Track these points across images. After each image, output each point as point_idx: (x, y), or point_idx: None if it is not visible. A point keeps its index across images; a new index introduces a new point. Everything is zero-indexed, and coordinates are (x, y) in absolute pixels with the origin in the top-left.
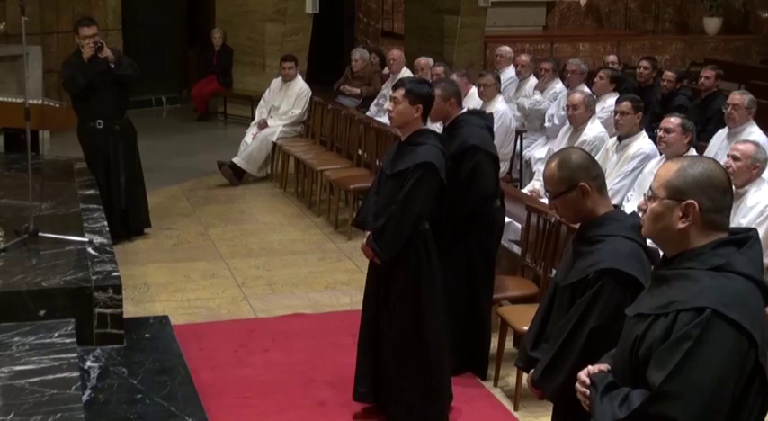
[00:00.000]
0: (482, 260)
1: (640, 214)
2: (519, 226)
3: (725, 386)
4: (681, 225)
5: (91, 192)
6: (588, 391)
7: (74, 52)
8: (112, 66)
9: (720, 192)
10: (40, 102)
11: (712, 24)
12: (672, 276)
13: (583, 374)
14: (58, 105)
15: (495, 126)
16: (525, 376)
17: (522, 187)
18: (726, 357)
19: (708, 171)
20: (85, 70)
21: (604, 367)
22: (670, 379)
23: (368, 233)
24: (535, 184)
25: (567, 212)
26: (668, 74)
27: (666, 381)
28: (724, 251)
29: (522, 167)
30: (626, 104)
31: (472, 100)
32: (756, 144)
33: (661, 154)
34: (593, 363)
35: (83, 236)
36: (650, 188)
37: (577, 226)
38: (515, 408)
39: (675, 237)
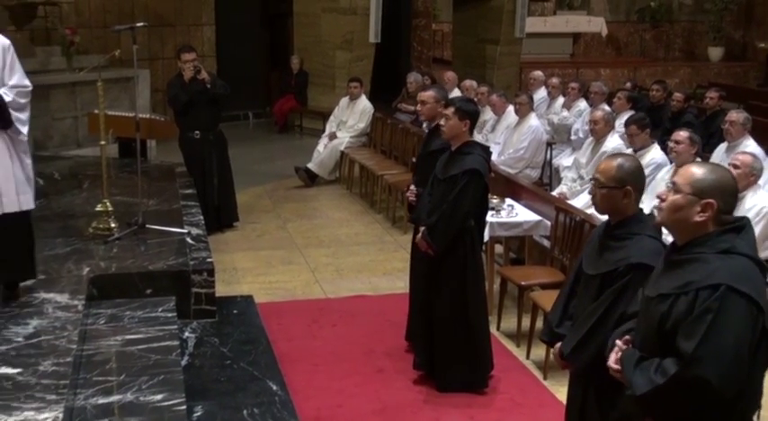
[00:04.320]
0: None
1: (656, 202)
2: (548, 223)
3: (743, 347)
4: (698, 218)
5: (189, 191)
6: (623, 365)
7: (176, 75)
8: (209, 86)
9: (732, 196)
10: (147, 116)
11: (716, 53)
12: (685, 261)
13: (615, 352)
14: (162, 119)
15: (528, 140)
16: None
17: (551, 190)
18: (742, 324)
19: (726, 178)
20: (186, 90)
21: (626, 340)
22: (700, 346)
23: (422, 228)
24: (563, 188)
25: (603, 203)
26: (677, 95)
27: (697, 348)
28: (727, 237)
29: (552, 174)
30: (632, 127)
31: (509, 116)
32: (754, 155)
33: (671, 162)
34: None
35: (182, 227)
36: (673, 182)
37: (603, 217)
38: (544, 378)
39: (690, 227)
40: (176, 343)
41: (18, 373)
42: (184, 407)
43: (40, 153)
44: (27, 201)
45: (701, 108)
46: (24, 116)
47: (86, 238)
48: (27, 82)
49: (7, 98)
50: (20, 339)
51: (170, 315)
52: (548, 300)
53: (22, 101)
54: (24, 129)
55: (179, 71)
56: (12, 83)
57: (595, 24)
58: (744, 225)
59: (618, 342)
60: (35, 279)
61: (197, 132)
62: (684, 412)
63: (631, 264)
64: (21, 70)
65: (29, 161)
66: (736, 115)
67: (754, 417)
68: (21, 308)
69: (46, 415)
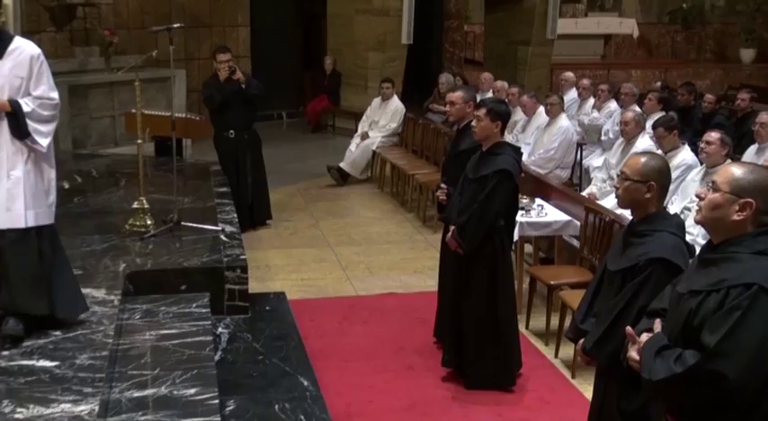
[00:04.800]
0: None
1: (697, 201)
2: (578, 223)
3: (767, 348)
4: (736, 217)
5: (223, 189)
6: (644, 349)
7: (212, 75)
8: (243, 86)
9: None
10: (183, 115)
11: (747, 54)
12: (720, 259)
13: (631, 349)
14: (197, 118)
15: (558, 140)
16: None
17: (581, 191)
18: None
19: (766, 178)
20: (221, 90)
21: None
22: (723, 341)
23: (452, 227)
24: (592, 189)
25: (626, 195)
26: (708, 96)
27: (719, 343)
28: (764, 239)
29: (582, 174)
30: (659, 130)
31: (540, 117)
32: None
33: (701, 163)
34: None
35: (217, 225)
36: (713, 181)
37: (628, 213)
38: (573, 376)
39: (728, 226)
40: (210, 338)
41: (55, 366)
42: (217, 401)
43: (78, 151)
44: (36, 218)
45: (733, 110)
46: (45, 128)
47: (123, 235)
48: (53, 95)
49: (27, 108)
50: (57, 333)
51: (204, 311)
52: (576, 299)
53: (45, 113)
54: (43, 142)
55: (215, 71)
56: (36, 93)
57: (627, 26)
58: None
59: (656, 323)
60: (50, 313)
61: (231, 132)
62: (702, 403)
63: (651, 258)
64: (49, 82)
65: (51, 175)
66: (766, 117)
67: None
68: None
69: (82, 407)
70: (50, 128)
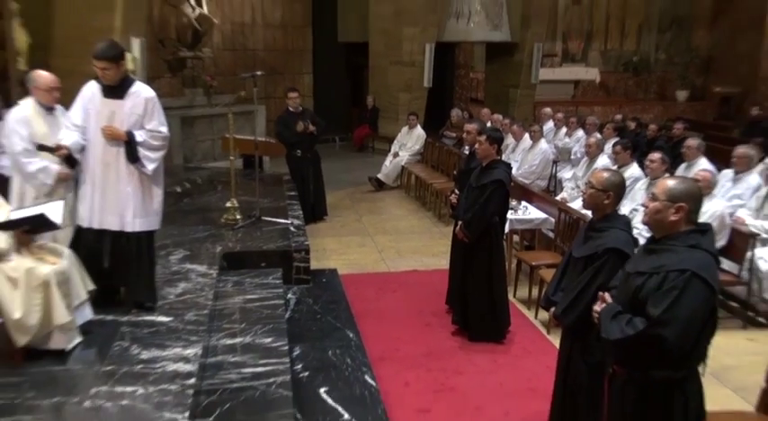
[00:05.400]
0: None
1: (642, 209)
2: (553, 220)
3: (697, 319)
4: (673, 218)
5: (292, 193)
6: (601, 314)
7: (285, 110)
8: (315, 133)
9: (699, 201)
10: (263, 139)
11: (682, 95)
12: (660, 250)
13: (599, 304)
14: (273, 141)
15: (538, 159)
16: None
17: (555, 196)
18: (698, 301)
19: (693, 186)
20: (299, 135)
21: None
22: (664, 313)
23: (460, 222)
24: (564, 194)
25: (590, 200)
26: (652, 126)
27: (662, 314)
28: (694, 236)
29: (556, 184)
30: (618, 148)
31: (525, 141)
32: (712, 172)
33: (646, 176)
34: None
35: (287, 219)
36: (653, 193)
37: (589, 213)
38: (548, 333)
39: (667, 225)
40: (282, 302)
41: (170, 321)
42: (287, 347)
43: (187, 165)
44: (145, 224)
45: (670, 136)
46: (154, 155)
47: (219, 226)
48: (163, 129)
49: (140, 138)
50: (172, 297)
51: (277, 282)
52: (551, 275)
53: (155, 143)
54: (150, 166)
55: (286, 107)
56: (149, 127)
57: (591, 73)
58: (708, 228)
59: (606, 295)
60: (152, 303)
61: (299, 151)
62: (644, 358)
63: (607, 248)
64: (159, 119)
65: (158, 191)
66: (691, 141)
67: (700, 368)
68: (173, 274)
69: (189, 351)
70: (158, 155)
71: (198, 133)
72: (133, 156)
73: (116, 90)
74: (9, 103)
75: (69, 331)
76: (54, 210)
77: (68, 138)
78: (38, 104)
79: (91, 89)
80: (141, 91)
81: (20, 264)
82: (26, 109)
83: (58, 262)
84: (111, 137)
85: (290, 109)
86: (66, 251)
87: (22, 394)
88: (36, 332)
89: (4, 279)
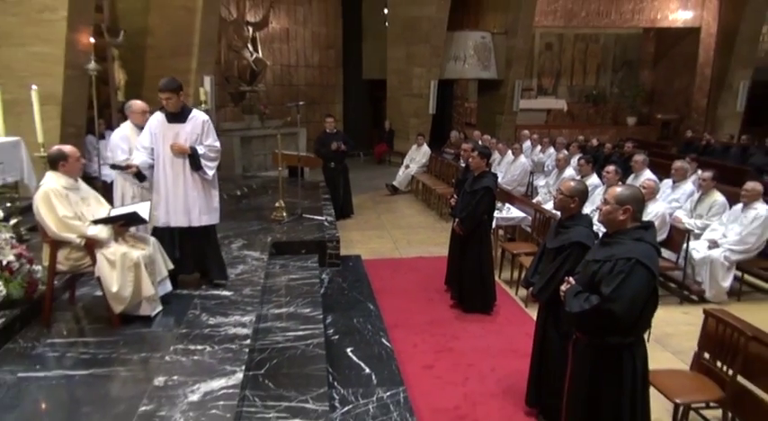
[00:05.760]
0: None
1: (597, 211)
2: (530, 218)
3: (640, 297)
4: (621, 218)
5: (326, 196)
6: (566, 293)
7: (323, 131)
8: (347, 151)
9: (642, 203)
10: (304, 154)
11: (631, 120)
12: (612, 242)
13: (564, 285)
14: (312, 156)
15: (518, 170)
16: (526, 291)
17: (532, 199)
18: (641, 283)
19: (637, 192)
20: (334, 152)
21: (573, 281)
22: (613, 291)
23: (457, 219)
24: (538, 198)
25: (560, 204)
26: (608, 145)
27: (611, 293)
28: (639, 231)
29: (532, 190)
30: (582, 161)
31: (508, 156)
32: (655, 181)
33: (604, 184)
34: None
35: (322, 216)
36: (604, 198)
37: (558, 214)
38: (525, 307)
39: (616, 224)
40: (318, 280)
41: (232, 295)
42: (321, 316)
43: (245, 174)
44: (209, 220)
45: (622, 153)
46: (211, 164)
47: (270, 221)
48: (216, 144)
49: (201, 151)
50: (233, 276)
51: (314, 265)
52: (529, 262)
53: (211, 154)
54: (210, 172)
55: (324, 129)
56: (206, 143)
57: (560, 104)
58: (650, 225)
59: (570, 278)
60: (224, 280)
61: (332, 163)
62: (599, 327)
63: (572, 241)
64: (213, 136)
65: (215, 193)
66: (638, 157)
67: (645, 335)
68: (234, 259)
69: (246, 318)
70: (214, 164)
71: (254, 149)
72: (197, 165)
73: (178, 116)
74: (110, 126)
75: (153, 301)
76: (143, 209)
77: (138, 157)
78: (134, 126)
79: (156, 117)
80: (198, 116)
81: (117, 249)
82: (125, 129)
83: (145, 248)
84: (178, 152)
85: (327, 130)
86: (152, 239)
87: (118, 350)
88: (129, 302)
89: (104, 261)
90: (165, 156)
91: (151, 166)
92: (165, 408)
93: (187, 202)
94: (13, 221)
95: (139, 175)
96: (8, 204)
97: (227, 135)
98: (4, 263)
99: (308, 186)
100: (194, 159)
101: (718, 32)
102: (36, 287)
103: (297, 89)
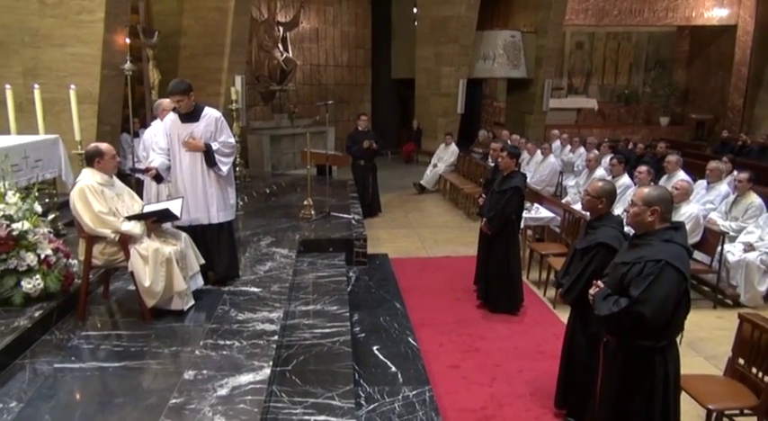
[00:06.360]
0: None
1: (625, 213)
2: (559, 218)
3: (670, 299)
4: (649, 219)
5: (353, 194)
6: (595, 296)
7: (355, 128)
8: (376, 149)
9: (670, 204)
10: (332, 152)
11: (664, 120)
12: (641, 244)
13: (593, 289)
14: (340, 154)
15: (548, 170)
16: (554, 292)
17: (561, 199)
18: (671, 285)
19: (665, 193)
20: (365, 151)
21: (602, 285)
22: (642, 293)
23: (485, 219)
24: (568, 198)
25: (588, 205)
26: (640, 145)
27: (640, 295)
28: (668, 232)
29: (562, 190)
30: (614, 161)
31: (538, 156)
32: (689, 182)
33: (635, 184)
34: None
35: (350, 214)
36: (632, 200)
37: (588, 215)
38: (554, 308)
39: (645, 225)
40: (345, 278)
41: (260, 291)
42: (348, 314)
43: (274, 172)
44: (226, 216)
45: (654, 153)
46: (226, 160)
47: (298, 219)
48: (231, 140)
49: (215, 147)
50: (261, 273)
51: (342, 263)
52: (558, 263)
53: (226, 151)
54: (224, 169)
55: (356, 127)
56: (220, 140)
57: (591, 103)
58: (680, 226)
59: (598, 282)
60: (237, 277)
61: (362, 162)
62: (629, 330)
63: (599, 242)
64: (227, 132)
65: (231, 189)
66: (672, 157)
67: (677, 338)
68: (263, 256)
69: (274, 314)
70: (228, 160)
71: (283, 148)
72: (211, 162)
73: (190, 116)
74: (145, 124)
75: (185, 296)
76: (175, 206)
77: (156, 160)
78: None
79: (170, 118)
80: (211, 113)
81: (149, 245)
82: (156, 127)
83: (177, 244)
84: (193, 148)
85: (359, 128)
86: (183, 234)
87: (150, 343)
88: (161, 297)
89: (137, 256)
90: (181, 157)
91: (169, 168)
92: (195, 402)
93: (206, 200)
94: (50, 216)
95: (158, 177)
96: (46, 200)
97: (257, 134)
98: (43, 257)
99: (335, 184)
100: (209, 156)
101: (755, 30)
102: (72, 280)
103: (326, 88)
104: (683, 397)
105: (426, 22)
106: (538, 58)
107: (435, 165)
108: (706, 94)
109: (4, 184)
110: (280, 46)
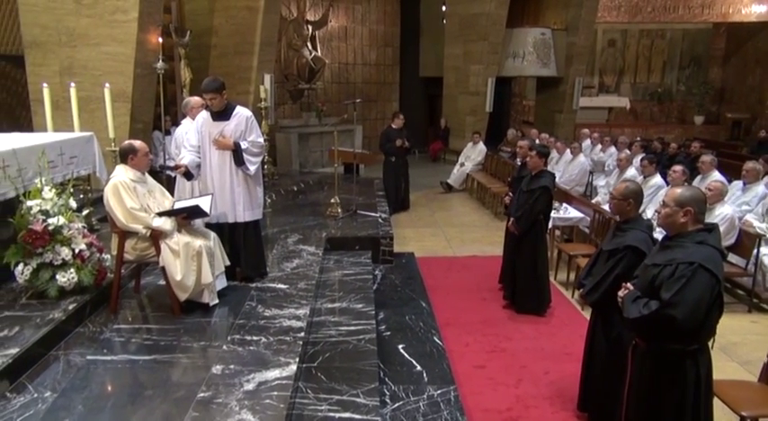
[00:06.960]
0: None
1: (656, 214)
2: (588, 219)
3: (702, 302)
4: (682, 220)
5: (380, 193)
6: (624, 298)
7: (388, 126)
8: (408, 147)
9: (703, 205)
10: (360, 151)
11: (699, 119)
12: (673, 245)
13: (622, 291)
14: (367, 152)
15: (577, 169)
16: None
17: (591, 200)
18: (703, 288)
19: (698, 193)
20: (397, 149)
21: (631, 287)
22: (674, 296)
23: (512, 218)
24: (598, 198)
25: (616, 208)
26: (673, 145)
27: (672, 298)
28: (702, 234)
29: (592, 190)
30: (645, 162)
31: (567, 155)
32: (723, 182)
33: (668, 185)
34: (620, 287)
35: (377, 213)
36: (664, 200)
37: (617, 217)
38: (581, 309)
39: (677, 226)
40: (371, 276)
41: (287, 288)
42: (374, 312)
43: (302, 170)
44: (252, 215)
45: (688, 153)
46: (254, 159)
47: (325, 217)
48: (260, 140)
49: (244, 146)
50: (288, 270)
51: (368, 261)
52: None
53: (255, 150)
54: (252, 168)
55: (390, 125)
56: (249, 139)
57: (622, 102)
58: (714, 228)
59: (628, 284)
60: (264, 276)
61: (393, 158)
62: (659, 334)
63: (626, 245)
64: (257, 131)
65: (260, 189)
66: (706, 157)
67: (710, 343)
68: (290, 253)
69: (300, 311)
70: (257, 159)
71: (311, 146)
72: (239, 160)
73: (222, 114)
74: (176, 122)
75: (211, 292)
76: (205, 203)
77: (186, 157)
78: (193, 121)
79: (202, 116)
80: (242, 112)
81: (179, 239)
82: (186, 125)
83: (206, 241)
84: (222, 146)
85: (394, 126)
86: (212, 234)
87: (179, 338)
88: (192, 290)
89: (168, 251)
90: (211, 154)
91: (199, 165)
92: (222, 396)
93: (233, 198)
94: (85, 212)
95: (188, 174)
96: (81, 196)
97: (285, 132)
98: (77, 251)
99: (363, 183)
100: (237, 155)
101: None
102: (105, 275)
103: (354, 87)
104: (716, 403)
105: (455, 20)
106: (568, 56)
107: (463, 164)
108: (743, 92)
109: (41, 180)
110: (308, 44)
